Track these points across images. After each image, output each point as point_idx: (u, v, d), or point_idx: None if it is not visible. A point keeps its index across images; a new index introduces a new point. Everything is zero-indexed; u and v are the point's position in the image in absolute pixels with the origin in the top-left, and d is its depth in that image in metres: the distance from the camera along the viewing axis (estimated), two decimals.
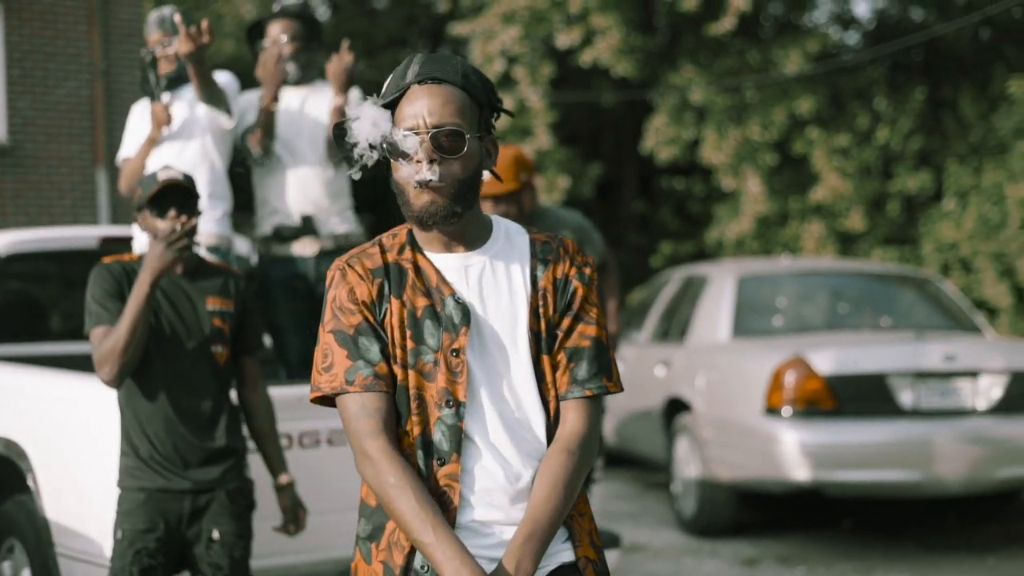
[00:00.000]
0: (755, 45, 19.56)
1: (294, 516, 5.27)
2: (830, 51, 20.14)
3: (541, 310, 3.06)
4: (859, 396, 9.09)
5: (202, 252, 6.32)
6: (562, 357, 3.06)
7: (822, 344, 9.54)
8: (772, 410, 9.16)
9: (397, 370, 3.01)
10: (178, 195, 4.97)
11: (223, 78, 6.58)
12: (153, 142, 6.44)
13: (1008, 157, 16.98)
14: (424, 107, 2.97)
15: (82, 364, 6.25)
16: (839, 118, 19.20)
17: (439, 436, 2.98)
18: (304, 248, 6.70)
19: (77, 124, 15.67)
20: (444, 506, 2.96)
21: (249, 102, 6.75)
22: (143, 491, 4.87)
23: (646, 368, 11.32)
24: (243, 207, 6.80)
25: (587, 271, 3.11)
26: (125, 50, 16.09)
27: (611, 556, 6.11)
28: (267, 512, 5.31)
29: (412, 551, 2.98)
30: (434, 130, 2.96)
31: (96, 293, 4.92)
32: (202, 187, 6.36)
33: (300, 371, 6.71)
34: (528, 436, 3.04)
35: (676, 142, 19.53)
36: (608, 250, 7.75)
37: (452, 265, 3.06)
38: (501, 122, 3.07)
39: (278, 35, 6.80)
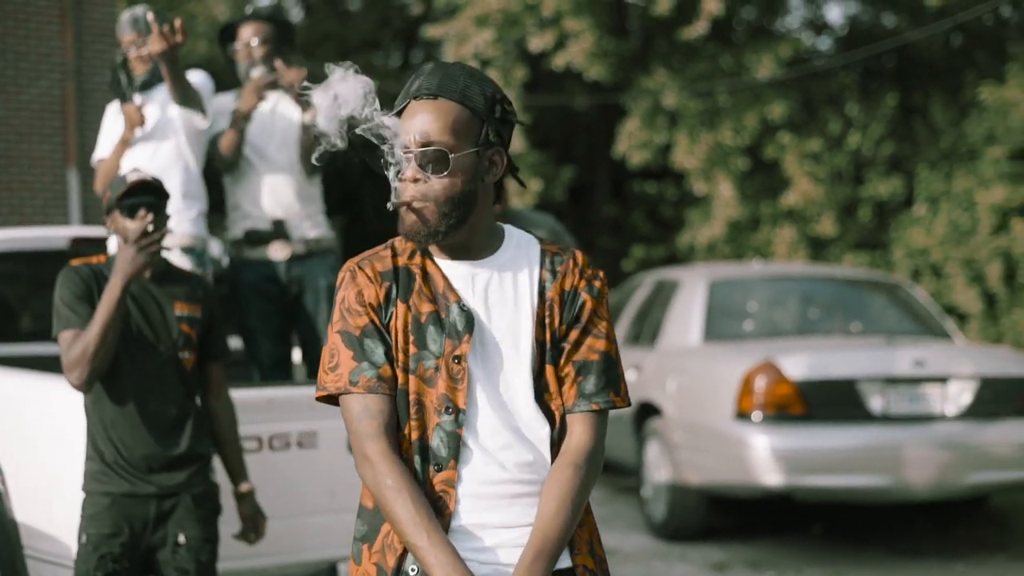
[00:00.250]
0: (728, 50, 19.61)
1: (254, 524, 5.26)
2: (802, 56, 20.21)
3: (547, 321, 3.06)
4: (829, 401, 9.11)
5: (176, 253, 6.31)
6: (570, 370, 3.06)
7: (793, 349, 9.56)
8: (742, 415, 9.17)
9: (399, 374, 3.02)
10: (148, 195, 4.95)
11: (197, 78, 6.57)
12: (127, 143, 6.43)
13: (978, 163, 17.06)
14: (415, 124, 2.99)
15: (52, 365, 6.22)
16: (811, 123, 19.26)
17: (437, 442, 2.99)
18: (275, 252, 6.70)
19: (49, 124, 15.59)
20: (440, 511, 2.98)
21: (223, 104, 6.75)
22: (108, 495, 4.86)
23: None
24: (215, 208, 6.80)
25: (597, 284, 3.11)
26: (98, 50, 16.03)
27: None
28: (230, 517, 5.30)
29: (404, 553, 2.99)
30: (418, 150, 2.97)
31: (64, 295, 4.89)
32: (176, 187, 6.35)
33: (271, 374, 6.71)
34: (527, 445, 3.04)
35: (648, 146, 19.56)
36: None
37: (459, 273, 3.07)
38: None
39: (249, 38, 6.80)
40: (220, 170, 6.78)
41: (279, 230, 6.69)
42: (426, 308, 3.03)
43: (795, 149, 18.78)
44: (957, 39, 20.79)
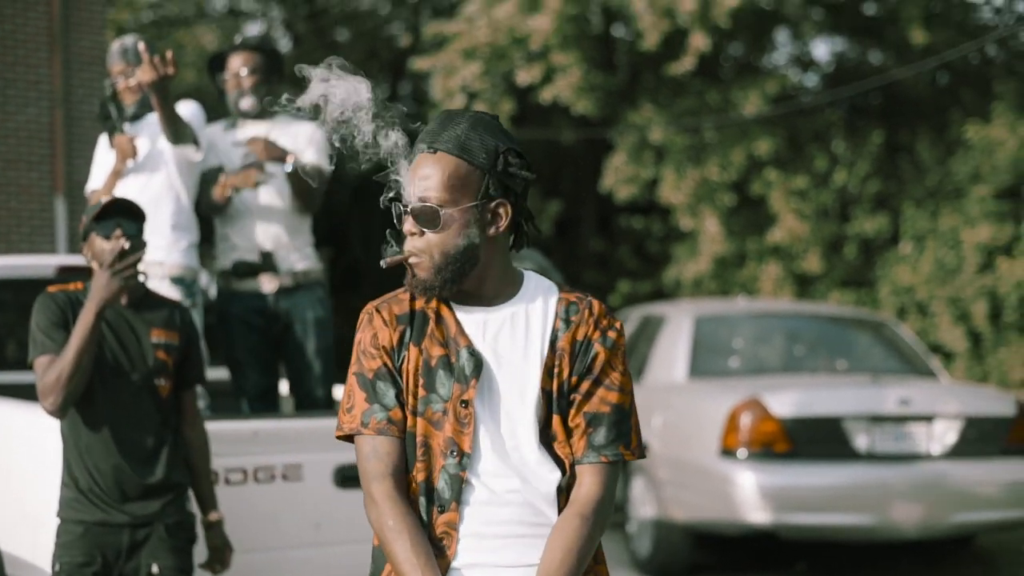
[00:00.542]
0: (714, 86, 19.64)
1: (220, 555, 5.23)
2: (789, 93, 20.25)
3: (556, 371, 3.07)
4: (814, 439, 9.11)
5: (166, 283, 6.29)
6: (580, 421, 3.07)
7: (778, 386, 9.55)
8: (728, 451, 9.16)
9: (408, 416, 3.07)
10: (123, 216, 4.93)
11: (188, 108, 6.55)
12: (119, 174, 6.41)
13: (964, 202, 17.09)
14: (415, 178, 3.03)
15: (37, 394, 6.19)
16: (797, 160, 19.28)
17: (442, 484, 3.03)
18: (263, 285, 6.69)
19: (36, 151, 15.57)
20: (442, 552, 3.02)
21: (213, 134, 6.73)
22: (81, 524, 4.85)
23: None
24: (204, 239, 6.78)
25: (612, 335, 3.11)
26: (86, 78, 16.03)
27: None
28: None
29: None
30: (414, 205, 3.02)
31: (40, 322, 4.88)
32: (167, 218, 6.34)
33: (257, 406, 6.70)
34: (532, 489, 3.05)
35: (635, 181, 19.57)
36: None
37: (472, 318, 3.10)
38: None
39: (239, 68, 6.80)
40: (207, 210, 6.77)
41: (267, 262, 6.68)
42: (437, 352, 3.06)
43: (781, 186, 18.80)
44: (943, 77, 20.86)
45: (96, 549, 4.83)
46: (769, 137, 18.65)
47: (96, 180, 6.64)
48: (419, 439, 3.05)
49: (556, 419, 3.08)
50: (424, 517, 3.06)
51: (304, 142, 6.80)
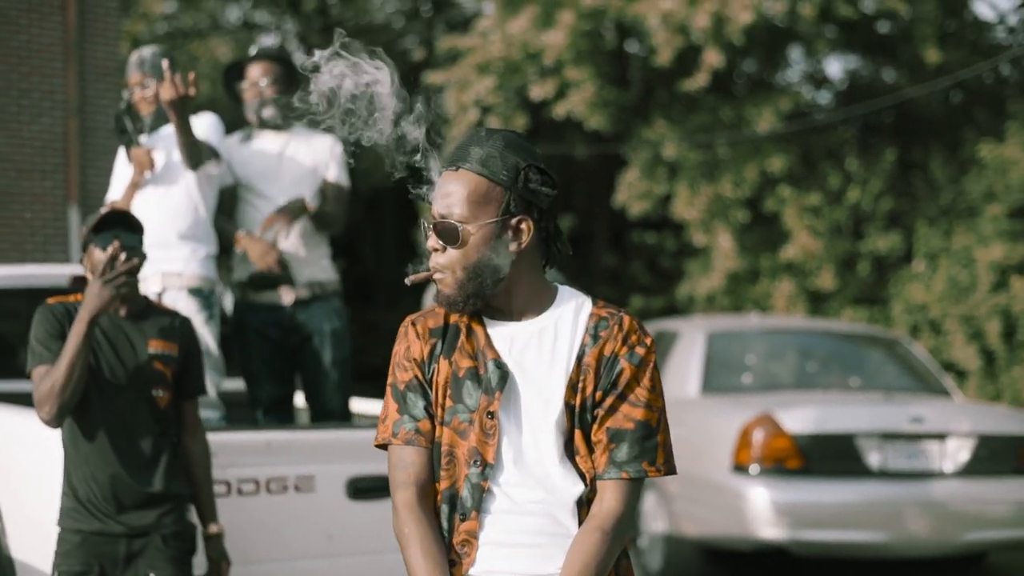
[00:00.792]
0: (728, 102, 19.64)
1: (218, 568, 5.21)
2: (802, 110, 20.24)
3: (580, 386, 3.09)
4: (827, 456, 9.09)
5: (183, 294, 6.28)
6: (602, 436, 3.09)
7: (791, 403, 9.54)
8: (740, 467, 9.14)
9: (436, 426, 3.13)
10: (121, 227, 4.94)
11: (208, 120, 6.52)
12: (137, 186, 6.40)
13: (978, 221, 17.07)
14: (439, 196, 3.09)
15: None
16: (810, 177, 19.27)
17: (466, 493, 3.09)
18: (279, 297, 6.68)
19: (50, 161, 15.61)
20: (462, 559, 3.08)
21: (229, 146, 6.72)
22: (79, 533, 4.87)
23: None
24: (222, 250, 6.76)
25: (640, 351, 3.11)
26: (101, 88, 16.07)
27: None
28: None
29: None
30: (436, 221, 3.08)
31: (38, 333, 4.90)
32: (185, 230, 6.33)
33: (272, 416, 6.69)
34: (552, 500, 3.08)
35: (648, 197, 19.57)
36: None
37: (501, 332, 3.14)
38: None
39: (259, 78, 6.78)
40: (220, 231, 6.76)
41: (283, 274, 6.66)
42: (465, 364, 3.11)
43: (795, 202, 18.79)
44: (957, 96, 20.85)
45: (94, 559, 4.84)
46: (782, 154, 18.65)
47: (115, 192, 6.64)
48: (444, 448, 3.11)
49: (579, 434, 3.09)
50: (446, 524, 3.11)
51: (326, 157, 6.81)
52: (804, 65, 22.20)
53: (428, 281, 3.16)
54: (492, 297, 3.12)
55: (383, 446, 3.20)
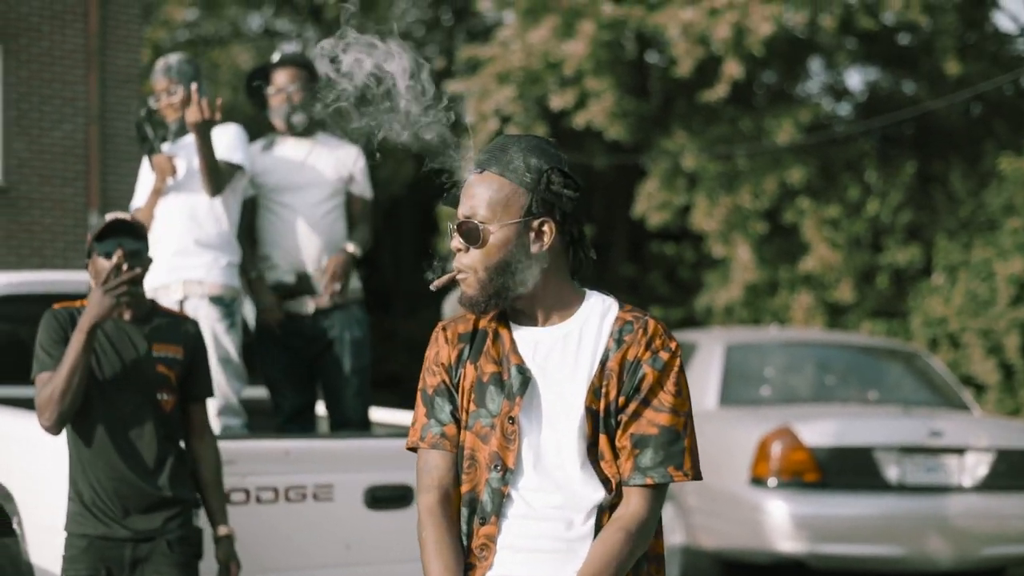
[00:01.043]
0: (748, 113, 19.64)
1: (226, 570, 5.20)
2: (822, 122, 20.23)
3: (603, 391, 3.10)
4: (845, 469, 9.07)
5: (205, 302, 6.28)
6: (626, 442, 3.10)
7: (809, 416, 9.52)
8: (757, 480, 9.13)
9: (461, 431, 3.17)
10: (125, 235, 4.94)
11: (232, 130, 6.50)
12: (159, 193, 6.41)
13: (997, 234, 17.04)
14: (463, 197, 3.14)
15: None
16: (830, 189, 19.25)
17: (486, 497, 3.12)
18: (300, 306, 6.69)
19: (72, 167, 15.68)
20: (480, 563, 3.12)
21: (253, 154, 6.71)
22: (85, 537, 4.88)
23: None
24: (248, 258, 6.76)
25: (664, 356, 3.12)
26: (122, 95, 16.15)
27: None
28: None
29: None
30: (459, 223, 3.12)
31: (42, 339, 4.92)
32: (208, 238, 6.33)
33: (293, 425, 6.70)
34: (572, 506, 3.10)
35: (667, 207, 19.57)
36: None
37: (526, 337, 3.17)
38: None
39: (287, 84, 6.77)
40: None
41: (304, 284, 6.67)
42: (490, 369, 3.15)
43: (814, 214, 18.78)
44: (977, 108, 20.82)
45: (100, 563, 4.86)
46: (802, 166, 18.64)
47: (139, 199, 6.64)
48: (467, 452, 3.15)
49: (603, 438, 3.10)
50: (466, 528, 3.15)
51: (350, 167, 6.82)
52: (824, 77, 22.19)
53: (451, 286, 3.20)
54: (517, 300, 3.15)
55: (413, 449, 3.24)
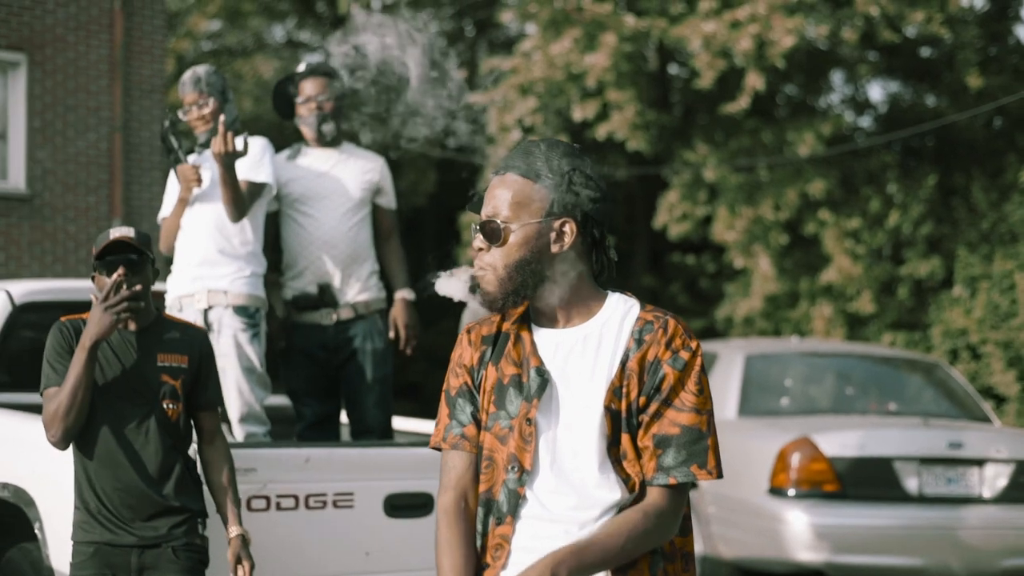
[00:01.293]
0: (769, 125, 19.64)
1: (235, 568, 5.17)
2: (843, 134, 20.23)
3: (624, 391, 3.11)
4: (864, 480, 9.07)
5: (229, 312, 6.30)
6: (648, 443, 3.10)
7: (829, 426, 9.52)
8: (777, 490, 9.14)
9: (481, 431, 3.22)
10: (127, 252, 4.96)
11: (259, 143, 6.51)
12: (185, 203, 6.42)
13: (1019, 246, 17.02)
14: (486, 199, 3.18)
15: None
16: (851, 201, 19.25)
17: (502, 497, 3.15)
18: (323, 317, 6.72)
19: (95, 176, 15.76)
20: (494, 562, 3.15)
21: (278, 163, 6.72)
22: (92, 544, 4.92)
23: None
24: (273, 268, 6.78)
25: (684, 355, 3.12)
26: (146, 105, 16.23)
27: None
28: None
29: None
30: (481, 222, 3.15)
31: (48, 354, 4.96)
32: (233, 248, 6.35)
33: (316, 434, 6.73)
34: (589, 507, 3.10)
35: (688, 218, 19.58)
36: None
37: (547, 339, 3.20)
38: None
39: (317, 93, 6.78)
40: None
41: (327, 296, 6.70)
42: (510, 371, 3.18)
43: (835, 226, 18.77)
44: (998, 121, 20.79)
45: (107, 568, 4.89)
46: (823, 177, 18.63)
47: (166, 209, 6.66)
48: (485, 453, 3.18)
49: (626, 438, 3.11)
50: (481, 527, 3.19)
51: (376, 178, 6.85)
52: (846, 89, 22.18)
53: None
54: (537, 300, 3.18)
55: (437, 448, 3.29)
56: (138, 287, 4.90)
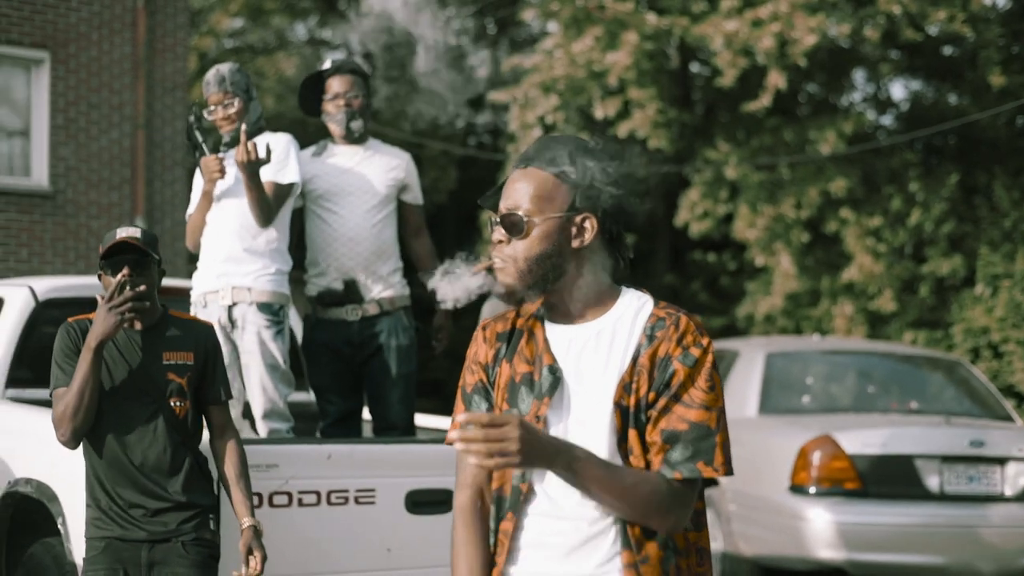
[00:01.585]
0: (791, 123, 19.62)
1: (246, 559, 5.16)
2: (865, 132, 20.18)
3: (634, 387, 3.09)
4: (885, 477, 9.07)
5: (253, 309, 6.31)
6: (656, 438, 3.08)
7: (850, 424, 9.52)
8: (798, 488, 9.14)
9: None
10: (132, 253, 4.97)
11: (284, 140, 6.50)
12: (209, 195, 6.42)
13: None
14: (506, 191, 3.16)
15: None
16: (872, 199, 19.21)
17: (509, 494, 3.17)
18: (348, 313, 6.73)
19: (118, 173, 15.80)
20: (497, 558, 3.18)
21: (303, 160, 6.72)
22: (103, 540, 4.96)
23: None
24: (298, 265, 6.79)
25: (695, 352, 3.09)
26: (168, 103, 16.28)
27: None
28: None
29: None
30: (502, 214, 3.14)
31: (56, 355, 5.01)
32: (258, 245, 6.35)
33: (338, 430, 6.74)
34: (592, 504, 3.08)
35: (710, 216, 19.57)
36: None
37: (560, 336, 3.19)
38: None
39: (346, 90, 6.79)
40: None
41: (351, 292, 6.71)
42: (523, 368, 3.18)
43: (856, 224, 18.74)
44: (1021, 119, 20.73)
45: (118, 563, 4.93)
46: (844, 176, 18.60)
47: (193, 205, 6.66)
48: None
49: (633, 433, 3.10)
50: (493, 525, 3.21)
51: (402, 175, 6.86)
52: (868, 87, 22.14)
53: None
54: (552, 294, 3.16)
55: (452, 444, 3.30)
56: (142, 287, 4.92)
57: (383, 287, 6.77)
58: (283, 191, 6.42)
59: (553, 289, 3.15)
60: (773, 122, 19.47)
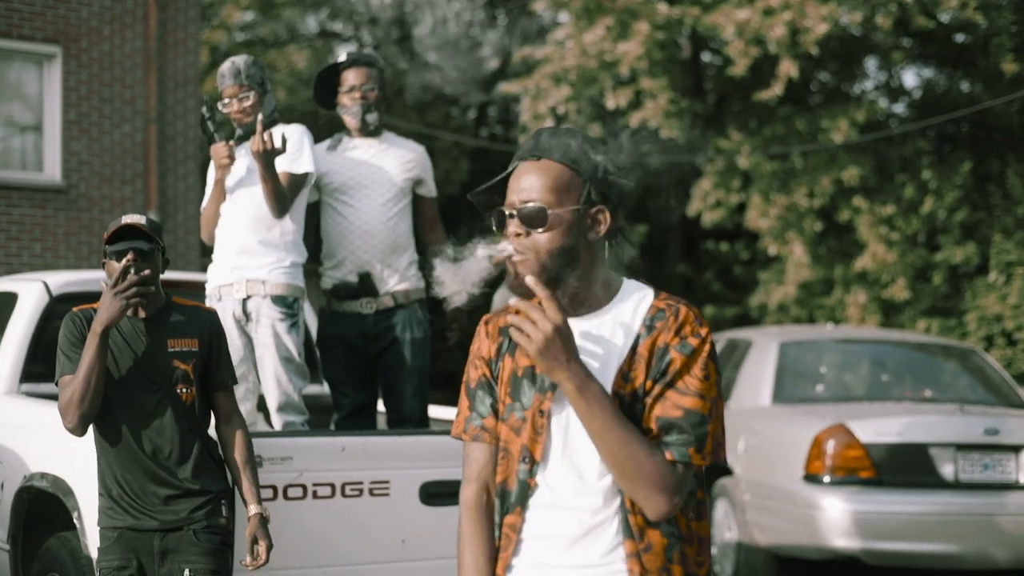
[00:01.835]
0: (803, 112, 19.59)
1: (254, 547, 5.14)
2: (878, 120, 20.15)
3: (632, 375, 3.09)
4: (900, 466, 9.06)
5: (267, 302, 6.31)
6: (652, 424, 3.07)
7: (864, 413, 9.51)
8: (812, 477, 9.14)
9: (498, 422, 3.22)
10: (137, 238, 4.99)
11: (298, 131, 6.50)
12: (221, 184, 6.42)
13: None
14: (519, 183, 3.12)
15: None
16: (885, 188, 19.18)
17: (514, 488, 3.16)
18: (363, 306, 6.73)
19: (130, 167, 15.83)
20: (502, 551, 3.19)
21: (318, 154, 6.72)
22: (116, 530, 4.98)
23: None
24: (313, 258, 6.80)
25: (692, 342, 3.09)
26: (180, 97, 16.30)
27: None
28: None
29: None
30: (520, 207, 3.10)
31: (62, 343, 5.01)
32: (272, 238, 6.35)
33: (352, 422, 6.74)
34: (596, 494, 3.09)
35: (722, 206, 19.55)
36: None
37: None
38: None
39: (361, 83, 6.78)
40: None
41: (366, 285, 6.71)
42: (524, 362, 3.18)
43: (869, 213, 18.71)
44: None
45: (131, 552, 4.96)
46: (857, 164, 18.57)
47: (207, 197, 6.66)
48: (502, 444, 3.20)
49: (632, 422, 3.08)
50: (498, 519, 3.21)
51: (417, 169, 6.86)
52: (880, 75, 22.10)
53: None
54: (565, 285, 3.13)
55: (459, 439, 3.31)
56: (147, 272, 4.94)
57: (398, 280, 6.77)
58: (298, 181, 6.42)
59: (567, 282, 3.12)
60: (785, 111, 19.45)
